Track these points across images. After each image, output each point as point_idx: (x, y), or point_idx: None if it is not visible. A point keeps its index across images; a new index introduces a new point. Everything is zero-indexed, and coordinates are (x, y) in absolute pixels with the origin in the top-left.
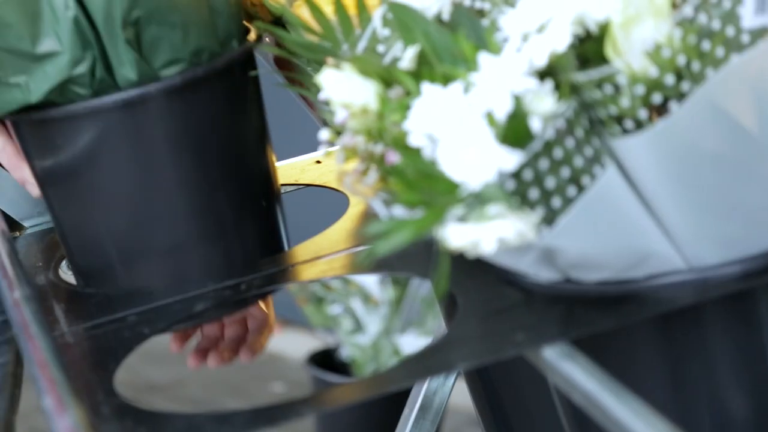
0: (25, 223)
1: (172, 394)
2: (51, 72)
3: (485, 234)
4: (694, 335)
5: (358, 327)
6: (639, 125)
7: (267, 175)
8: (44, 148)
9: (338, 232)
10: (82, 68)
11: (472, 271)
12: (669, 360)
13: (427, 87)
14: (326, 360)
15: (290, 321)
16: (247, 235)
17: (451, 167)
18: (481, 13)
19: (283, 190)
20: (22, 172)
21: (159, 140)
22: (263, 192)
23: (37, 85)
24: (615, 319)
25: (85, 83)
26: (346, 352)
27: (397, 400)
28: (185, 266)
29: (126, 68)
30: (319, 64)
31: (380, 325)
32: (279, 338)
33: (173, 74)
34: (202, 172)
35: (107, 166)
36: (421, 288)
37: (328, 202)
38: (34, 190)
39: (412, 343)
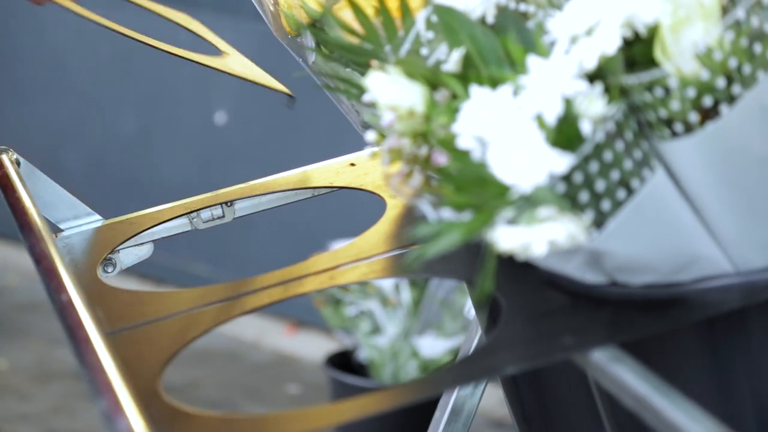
0: (62, 226)
1: (186, 395)
2: None
3: (536, 236)
4: (739, 337)
5: (376, 328)
6: (688, 128)
7: None
8: None
9: (378, 235)
10: None
11: (514, 274)
12: (714, 362)
13: (476, 90)
14: (344, 361)
15: (305, 323)
16: None
17: (502, 170)
18: (524, 16)
19: (317, 192)
20: None
21: None
22: None
23: None
24: (662, 322)
25: None
26: (363, 354)
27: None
28: None
29: None
30: (361, 67)
31: (398, 327)
32: (294, 340)
33: None
34: None
35: None
36: (440, 290)
37: (362, 205)
38: None
39: (430, 345)
